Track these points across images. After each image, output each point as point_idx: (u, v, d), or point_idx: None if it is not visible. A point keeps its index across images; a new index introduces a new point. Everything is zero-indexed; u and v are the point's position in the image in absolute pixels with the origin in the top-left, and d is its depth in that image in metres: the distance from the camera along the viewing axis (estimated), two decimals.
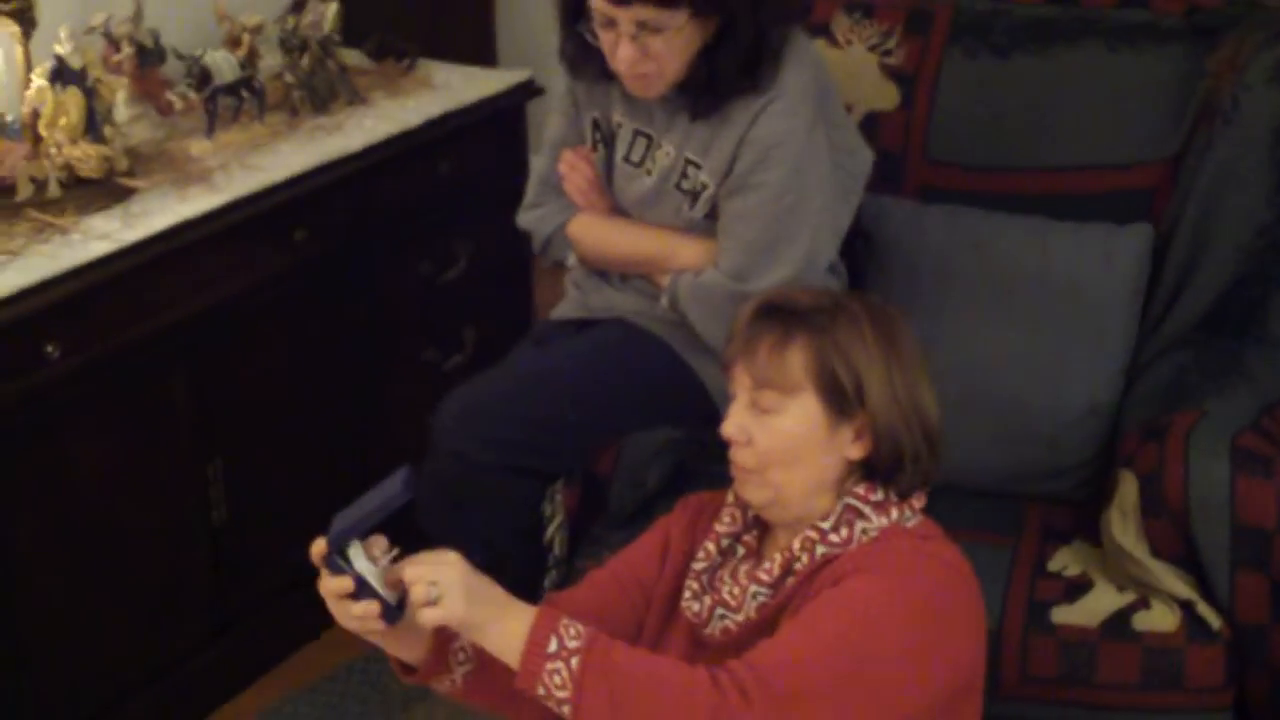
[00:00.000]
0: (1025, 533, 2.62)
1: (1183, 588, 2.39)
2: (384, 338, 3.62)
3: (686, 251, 2.73)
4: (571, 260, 2.89)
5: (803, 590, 1.93)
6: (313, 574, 3.44)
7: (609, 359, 2.78)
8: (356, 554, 1.91)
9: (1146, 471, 2.45)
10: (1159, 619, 2.38)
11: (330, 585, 1.91)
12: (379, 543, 1.94)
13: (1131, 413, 2.67)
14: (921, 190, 2.96)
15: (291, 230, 3.26)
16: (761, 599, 1.96)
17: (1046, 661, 2.36)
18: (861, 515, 1.95)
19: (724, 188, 2.64)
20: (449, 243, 3.69)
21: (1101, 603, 2.42)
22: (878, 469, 1.97)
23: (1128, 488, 2.47)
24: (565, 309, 2.97)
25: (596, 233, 2.83)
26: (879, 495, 1.97)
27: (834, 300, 2.00)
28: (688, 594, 2.04)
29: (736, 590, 1.98)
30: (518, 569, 2.59)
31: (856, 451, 1.96)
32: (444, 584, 1.83)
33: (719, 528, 2.07)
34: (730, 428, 1.97)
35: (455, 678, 2.00)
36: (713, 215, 2.70)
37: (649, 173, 2.75)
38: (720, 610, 1.99)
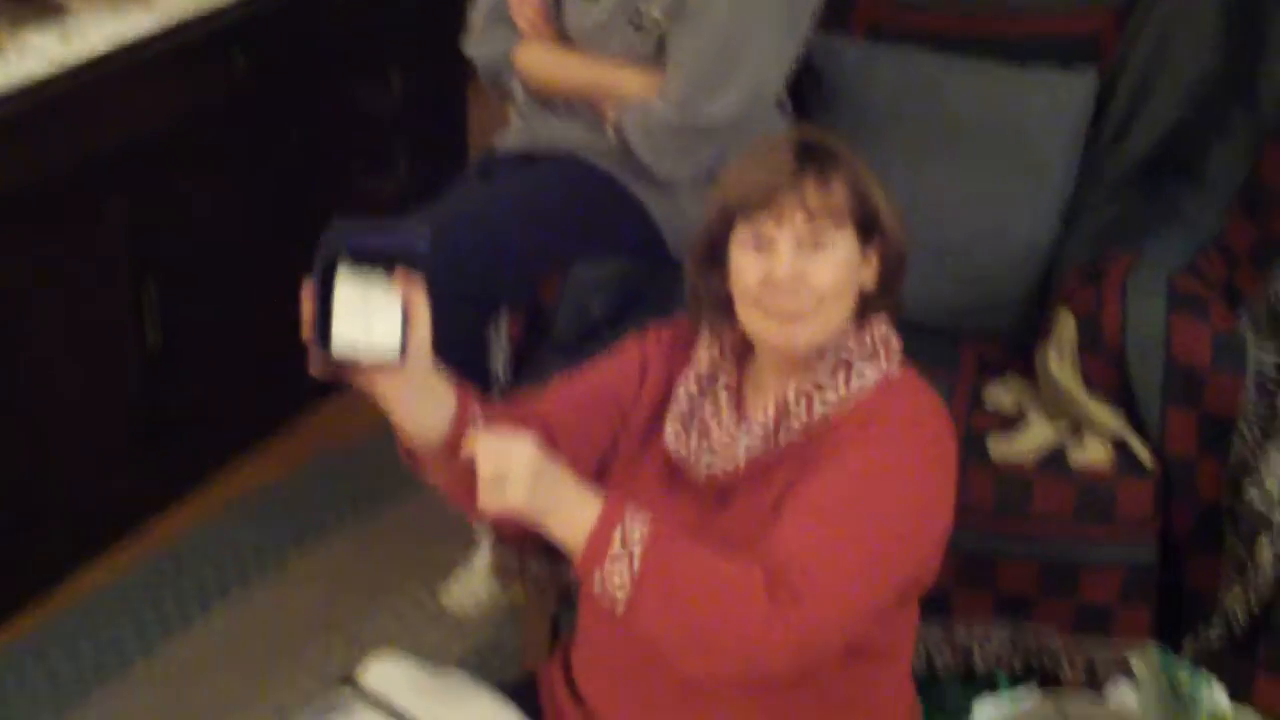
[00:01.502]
0: (961, 367, 2.67)
1: (1115, 423, 2.45)
2: (318, 165, 3.59)
3: (633, 81, 2.73)
4: (518, 89, 2.88)
5: (806, 451, 1.94)
6: (243, 395, 3.49)
7: (555, 188, 2.79)
8: (347, 277, 1.77)
9: (1084, 310, 2.49)
10: (1091, 454, 2.43)
11: (304, 291, 1.80)
12: (413, 289, 1.81)
13: (1070, 253, 2.71)
14: (870, 29, 2.97)
15: (230, 55, 3.22)
16: (753, 449, 1.96)
17: (982, 492, 2.42)
18: (853, 365, 1.96)
19: (672, 18, 2.64)
20: (384, 69, 3.66)
21: (1036, 437, 2.47)
22: (879, 299, 1.99)
23: (1065, 325, 2.51)
24: (511, 140, 2.96)
25: (544, 61, 2.82)
26: (866, 345, 1.98)
27: (831, 137, 2.00)
28: (671, 434, 2.02)
29: (725, 436, 1.98)
30: None
31: (869, 279, 1.97)
32: (513, 470, 1.77)
33: (697, 361, 2.05)
34: (784, 271, 1.91)
35: (455, 470, 1.90)
36: (662, 48, 2.70)
37: (598, 3, 2.74)
38: (707, 453, 1.99)
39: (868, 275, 1.97)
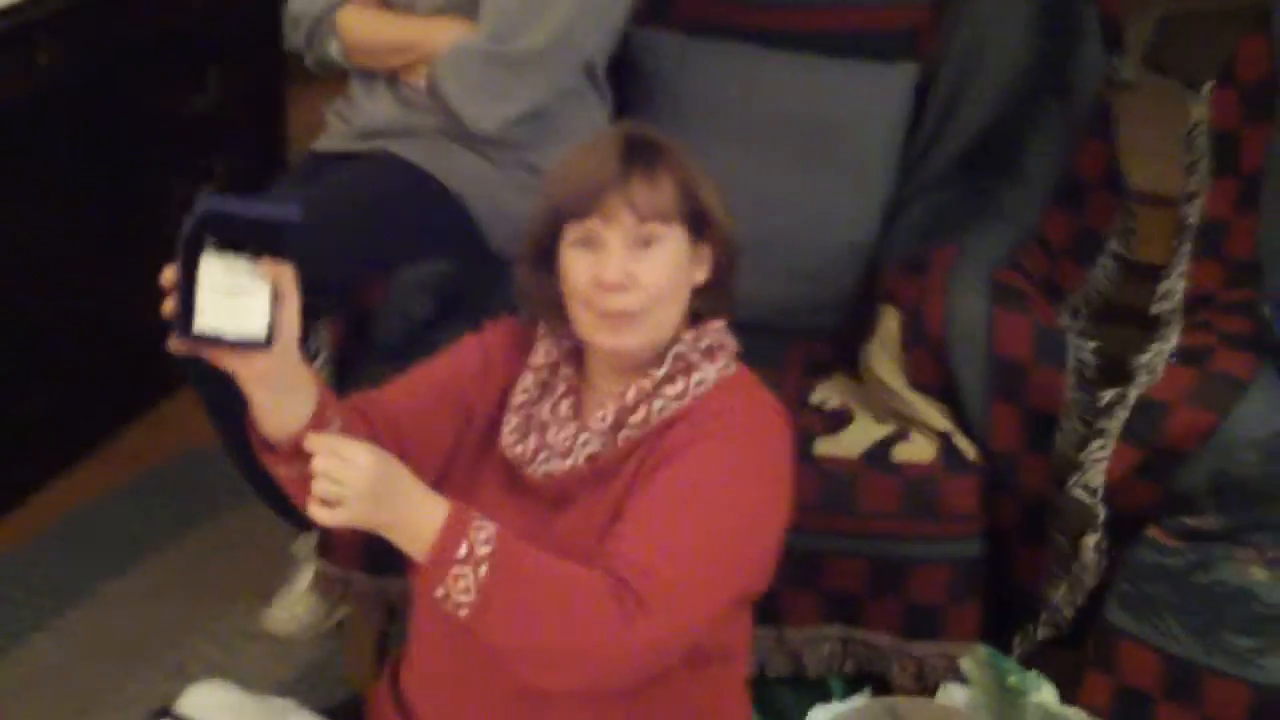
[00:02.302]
0: (787, 365, 2.66)
1: (940, 419, 2.45)
2: (132, 167, 3.52)
3: (450, 30, 2.73)
4: (334, 51, 2.84)
5: (646, 453, 1.92)
6: (57, 410, 3.39)
7: (375, 191, 2.76)
8: (213, 257, 1.68)
9: (907, 305, 2.50)
10: (917, 450, 2.43)
11: (165, 270, 1.71)
12: (282, 270, 1.73)
13: (891, 248, 2.71)
14: (690, 23, 2.94)
15: (34, 53, 3.12)
16: (592, 449, 1.93)
17: (809, 490, 2.40)
18: (692, 365, 1.94)
19: None
20: (200, 68, 3.59)
21: (862, 434, 2.47)
22: (711, 294, 1.98)
23: (888, 321, 2.52)
24: (329, 141, 2.93)
25: (364, 19, 2.82)
26: (705, 342, 1.96)
27: (656, 132, 1.98)
28: (509, 432, 1.99)
29: (564, 436, 1.95)
30: None
31: (701, 275, 1.96)
32: (349, 488, 1.71)
33: (535, 360, 2.03)
34: (614, 273, 1.88)
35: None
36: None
37: None
38: (545, 454, 1.96)
39: (700, 272, 1.96)
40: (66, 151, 3.31)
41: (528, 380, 2.02)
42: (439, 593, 1.76)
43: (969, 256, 2.53)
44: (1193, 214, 2.63)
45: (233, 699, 2.05)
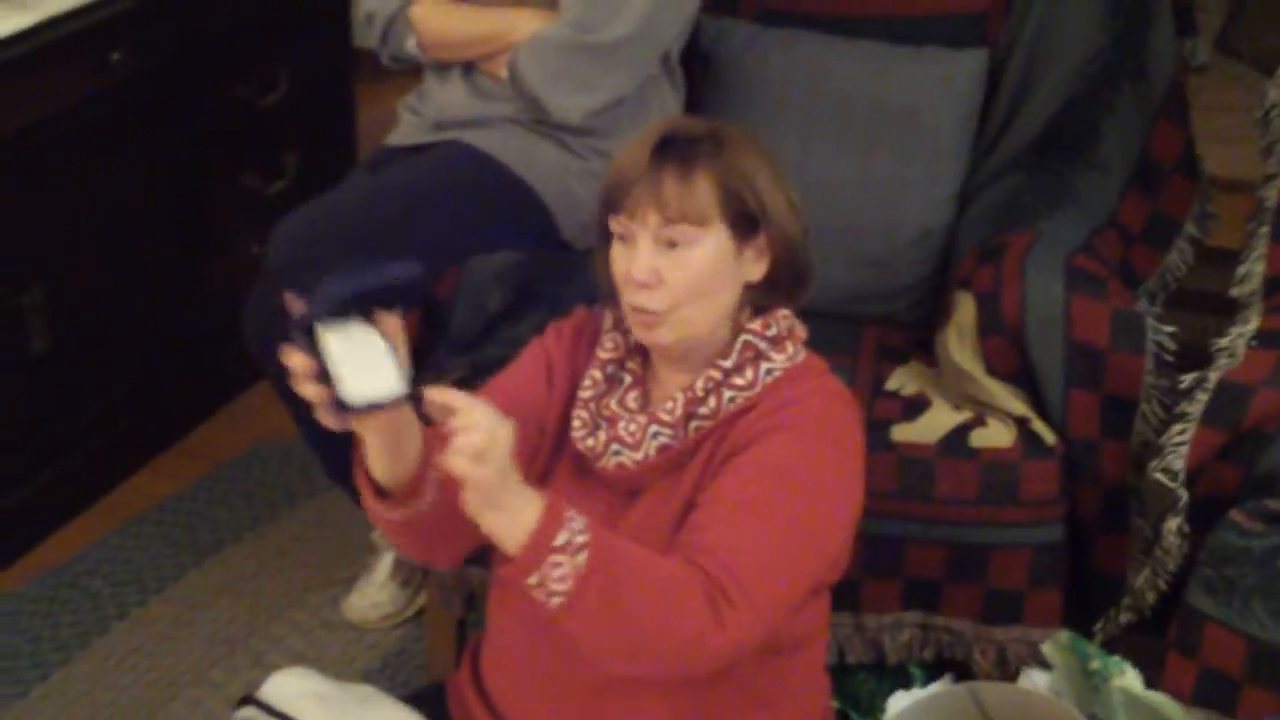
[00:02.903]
0: (861, 353, 2.66)
1: (1017, 405, 2.44)
2: (204, 163, 3.55)
3: (529, 22, 2.74)
4: (411, 46, 2.83)
5: (716, 443, 1.92)
6: (136, 404, 3.43)
7: (446, 181, 2.76)
8: (328, 331, 1.70)
9: (983, 291, 2.48)
10: (995, 435, 2.42)
11: (291, 358, 1.72)
12: (389, 321, 1.76)
13: (965, 235, 2.70)
14: (759, 12, 2.94)
15: (108, 52, 3.15)
16: (663, 440, 1.93)
17: (887, 477, 2.40)
18: (760, 354, 1.94)
19: None
20: (270, 65, 3.61)
21: (939, 420, 2.46)
22: (778, 289, 1.96)
23: (964, 307, 2.51)
24: (400, 135, 2.94)
25: (439, 15, 2.82)
26: (773, 330, 1.96)
27: (712, 126, 1.95)
28: (578, 425, 1.99)
29: (634, 428, 1.95)
30: None
31: (758, 272, 1.94)
32: (497, 445, 1.69)
33: (602, 354, 2.02)
34: (640, 271, 1.88)
35: (417, 508, 1.88)
36: None
37: None
38: (616, 446, 1.95)
39: (754, 268, 1.94)
40: (140, 149, 3.33)
41: (595, 374, 2.01)
42: (533, 580, 1.74)
43: (1045, 242, 2.51)
44: (1270, 196, 2.60)
45: (315, 686, 2.05)
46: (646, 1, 2.68)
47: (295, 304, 1.71)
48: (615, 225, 1.92)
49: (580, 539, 1.75)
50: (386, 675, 2.83)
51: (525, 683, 2.00)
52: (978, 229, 2.67)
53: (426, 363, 2.70)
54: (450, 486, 1.77)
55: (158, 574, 3.17)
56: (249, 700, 2.03)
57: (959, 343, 2.49)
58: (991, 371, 2.47)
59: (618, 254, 1.92)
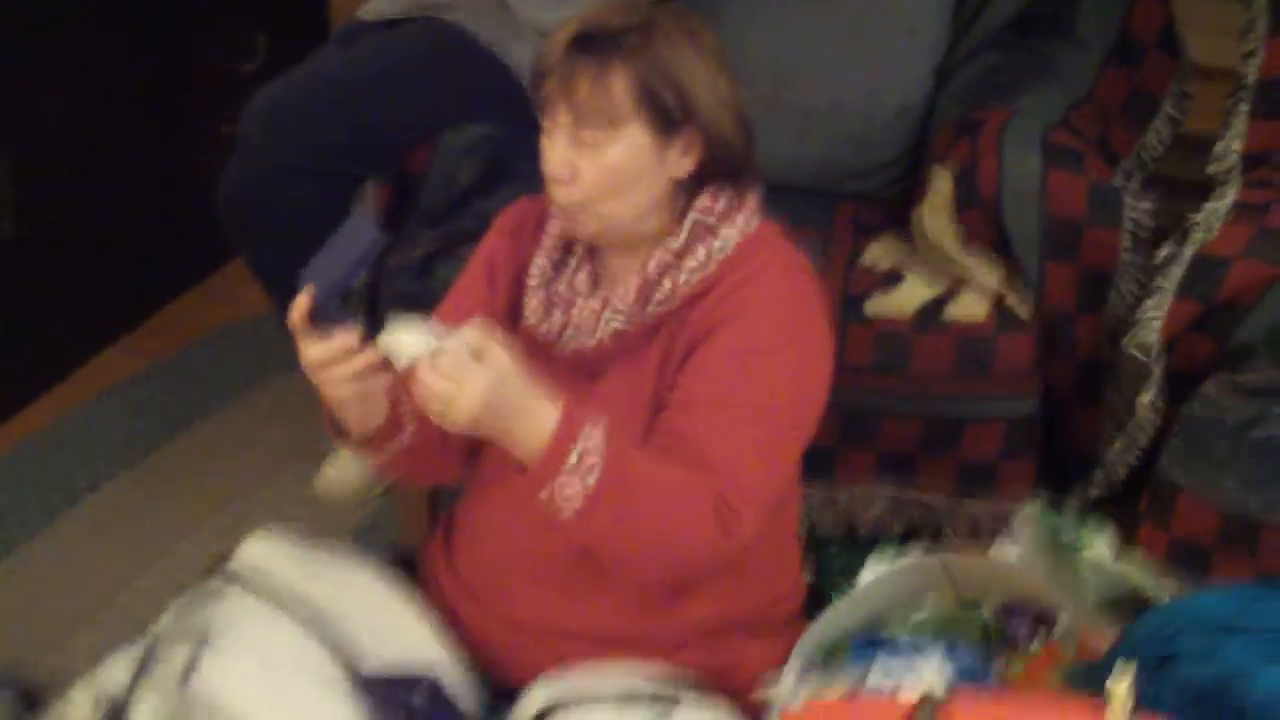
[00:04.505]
0: (836, 228, 2.65)
1: (993, 278, 2.43)
2: (173, 42, 3.50)
3: None
4: None
5: (677, 327, 1.90)
6: (106, 287, 3.41)
7: (421, 55, 2.74)
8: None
9: (960, 165, 2.47)
10: (970, 308, 2.42)
11: (319, 349, 1.78)
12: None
13: (942, 111, 2.69)
14: None
15: None
16: (618, 325, 1.92)
17: (862, 351, 2.40)
18: (708, 228, 1.91)
19: None
20: None
21: (913, 294, 2.46)
22: (711, 177, 1.92)
23: (941, 182, 2.49)
24: (373, 9, 2.91)
25: None
26: (721, 204, 1.92)
27: (642, 16, 1.89)
28: (531, 312, 1.98)
29: (588, 313, 1.94)
30: None
31: (686, 167, 1.90)
32: (464, 395, 1.70)
33: (547, 240, 2.00)
34: (554, 165, 1.86)
35: (395, 447, 1.93)
36: None
37: None
38: (571, 331, 1.95)
39: (681, 163, 1.90)
40: (109, 28, 3.29)
41: (540, 260, 2.00)
42: (542, 496, 1.76)
43: (1022, 117, 2.50)
44: (1250, 73, 2.58)
45: (287, 549, 2.05)
46: None
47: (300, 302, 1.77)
48: (540, 118, 1.89)
49: (591, 459, 1.75)
50: (358, 548, 2.82)
51: (497, 556, 2.00)
52: (955, 105, 2.66)
53: (399, 235, 2.68)
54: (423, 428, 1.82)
55: (128, 448, 3.16)
56: (222, 563, 2.02)
57: (935, 217, 2.48)
58: (967, 246, 2.45)
59: (542, 145, 1.89)
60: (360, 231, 1.80)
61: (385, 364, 1.80)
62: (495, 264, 2.05)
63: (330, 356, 1.79)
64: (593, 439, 1.76)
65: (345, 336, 1.78)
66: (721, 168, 1.91)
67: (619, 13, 1.89)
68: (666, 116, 1.85)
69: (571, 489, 1.75)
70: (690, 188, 1.92)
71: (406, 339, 1.73)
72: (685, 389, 1.87)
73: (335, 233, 1.81)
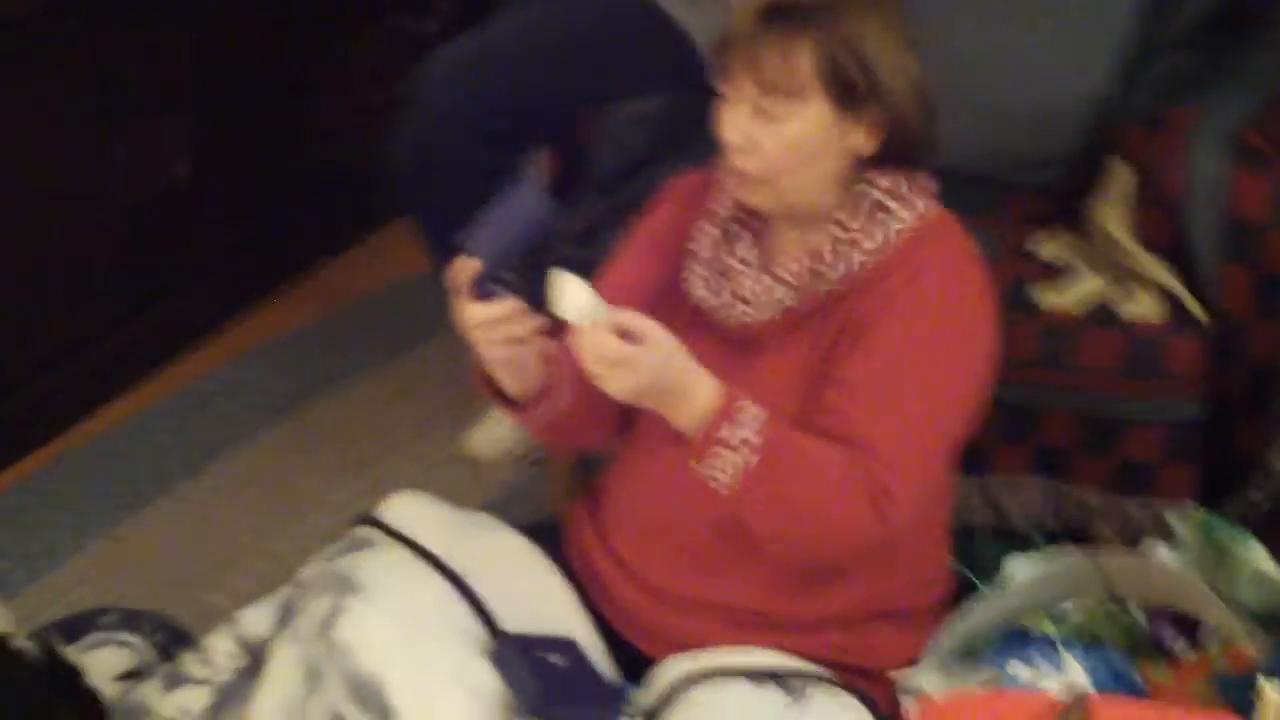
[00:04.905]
0: (1008, 217, 2.60)
1: (1169, 278, 2.38)
2: (354, 3, 3.54)
3: None
4: None
5: (849, 312, 1.89)
6: (274, 236, 3.45)
7: (596, 19, 2.73)
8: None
9: (1143, 162, 2.43)
10: (1143, 307, 2.36)
11: (479, 311, 1.80)
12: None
13: (1129, 107, 2.63)
14: None
15: None
16: (787, 300, 1.90)
17: (1028, 344, 2.36)
18: (886, 210, 1.89)
19: None
20: None
21: (1085, 288, 2.40)
22: (891, 157, 1.90)
23: (1121, 177, 2.45)
24: None
25: None
26: (901, 185, 1.90)
27: None
28: (697, 281, 1.97)
29: (756, 286, 1.92)
30: None
31: (869, 146, 1.88)
32: (629, 367, 1.73)
33: (717, 208, 1.98)
34: (733, 134, 1.85)
35: (547, 410, 1.94)
36: None
37: None
38: (739, 306, 1.93)
39: (862, 140, 1.87)
40: None
41: (707, 227, 1.98)
42: (699, 466, 1.78)
43: (1212, 116, 2.44)
44: None
45: (433, 510, 2.06)
46: None
47: (466, 266, 1.78)
48: (720, 86, 1.87)
49: (753, 439, 1.76)
50: (504, 511, 2.80)
51: (645, 526, 2.00)
52: (1141, 100, 2.61)
53: (568, 202, 2.68)
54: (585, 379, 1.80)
55: (285, 399, 3.20)
56: (367, 519, 2.03)
57: (1113, 212, 2.43)
58: (1144, 244, 2.40)
59: (720, 112, 1.88)
60: (530, 202, 1.80)
61: (543, 330, 1.81)
62: (658, 233, 2.04)
63: (490, 319, 1.81)
64: (752, 417, 1.77)
65: (507, 304, 1.80)
66: (902, 149, 1.89)
67: None
68: (851, 92, 1.83)
69: (726, 463, 1.77)
70: (868, 167, 1.90)
71: (578, 298, 1.74)
72: (851, 369, 1.86)
73: (503, 198, 1.82)
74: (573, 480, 2.70)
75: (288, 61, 3.40)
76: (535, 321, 1.81)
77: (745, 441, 1.76)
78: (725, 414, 1.77)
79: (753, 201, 1.90)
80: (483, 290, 1.79)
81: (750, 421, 1.77)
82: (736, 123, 1.85)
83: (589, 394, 1.83)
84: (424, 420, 3.13)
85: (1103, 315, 2.37)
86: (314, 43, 3.46)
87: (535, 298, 1.82)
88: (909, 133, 1.88)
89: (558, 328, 1.81)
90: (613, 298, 1.94)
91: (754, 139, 1.84)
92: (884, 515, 1.79)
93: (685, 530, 1.94)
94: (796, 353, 1.91)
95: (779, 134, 1.84)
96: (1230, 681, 1.80)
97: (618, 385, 1.74)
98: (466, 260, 1.79)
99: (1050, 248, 2.51)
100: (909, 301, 1.86)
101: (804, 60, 1.82)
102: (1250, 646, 1.90)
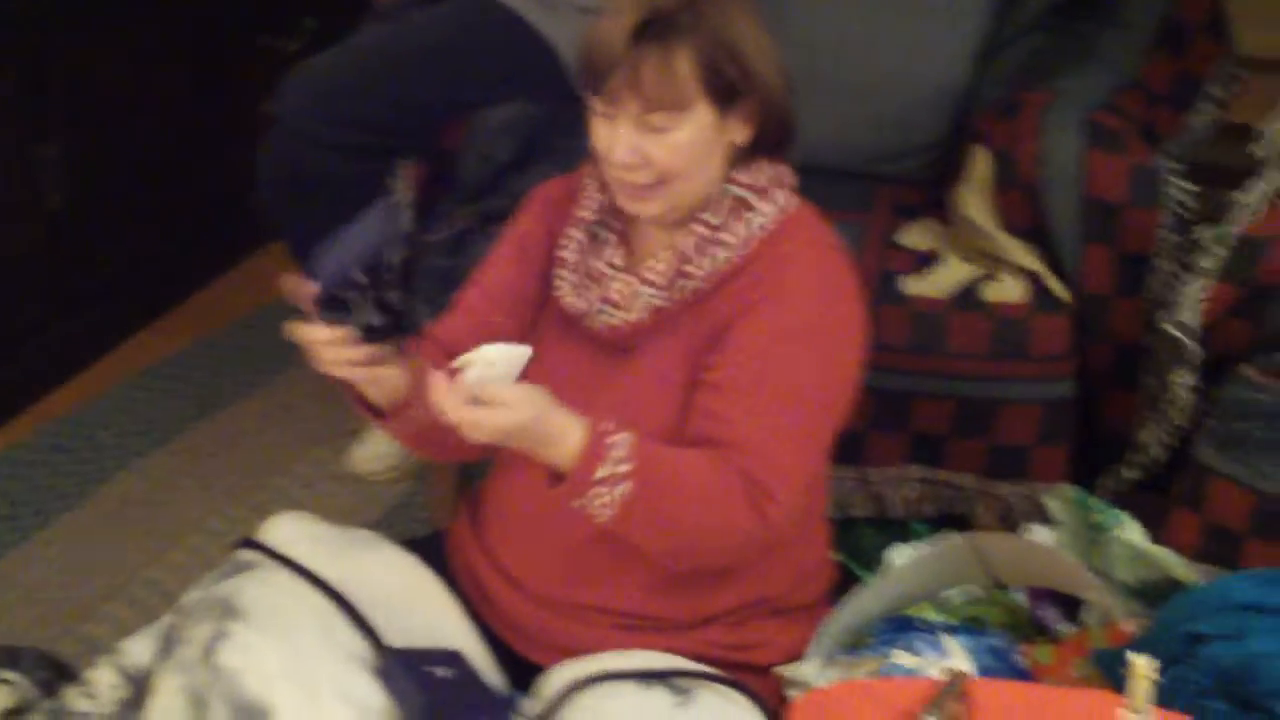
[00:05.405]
0: (875, 210, 2.62)
1: (1030, 260, 2.40)
2: (219, 23, 3.51)
3: None
4: None
5: (714, 308, 1.90)
6: (146, 268, 3.42)
7: (459, 31, 2.73)
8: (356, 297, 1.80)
9: (999, 147, 2.44)
10: (1007, 290, 2.39)
11: (320, 334, 1.81)
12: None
13: (984, 94, 2.65)
14: None
15: None
16: (654, 301, 1.91)
17: (897, 331, 2.37)
18: (748, 206, 1.90)
19: None
20: None
21: (951, 274, 2.43)
22: (764, 146, 1.91)
23: (980, 163, 2.47)
24: None
25: None
26: (759, 179, 1.92)
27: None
28: (565, 286, 1.97)
29: (623, 289, 1.92)
30: None
31: (744, 135, 1.89)
32: (487, 434, 1.74)
33: (582, 213, 1.99)
34: (622, 152, 1.84)
35: (415, 418, 1.93)
36: None
37: None
38: (604, 306, 1.93)
39: (739, 133, 1.89)
40: (158, 7, 3.31)
41: (573, 232, 1.98)
42: (576, 504, 1.79)
43: (1064, 99, 2.46)
44: None
45: (313, 529, 2.05)
46: None
47: (305, 287, 1.77)
48: (595, 104, 1.86)
49: (622, 468, 1.77)
50: (388, 527, 2.82)
51: (525, 534, 2.00)
52: (997, 88, 2.63)
53: (434, 212, 2.68)
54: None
55: (163, 426, 3.17)
56: (248, 542, 2.02)
57: (973, 198, 2.45)
58: (1006, 227, 2.43)
59: (600, 128, 1.87)
60: (380, 220, 1.79)
61: (375, 359, 1.82)
62: (526, 241, 2.04)
63: (322, 341, 1.82)
64: (622, 443, 1.78)
65: (334, 331, 1.80)
66: (773, 137, 1.91)
67: None
68: (729, 89, 1.85)
69: (604, 499, 1.78)
70: (741, 157, 1.91)
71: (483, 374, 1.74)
72: (719, 369, 1.87)
73: (359, 216, 1.81)
74: (455, 493, 2.70)
75: (159, 87, 3.37)
76: (363, 351, 1.81)
77: (617, 474, 1.77)
78: (596, 454, 1.77)
79: (644, 212, 1.90)
80: (323, 311, 1.78)
81: (620, 448, 1.77)
82: (623, 141, 1.84)
83: None
84: (305, 439, 3.11)
85: (968, 299, 2.39)
86: (185, 66, 3.43)
87: (413, 313, 1.81)
88: (780, 114, 1.91)
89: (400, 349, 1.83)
90: (482, 306, 1.94)
91: (644, 152, 1.84)
92: (765, 515, 1.81)
93: (566, 537, 1.94)
94: (668, 355, 1.92)
95: (668, 143, 1.84)
96: (1109, 654, 1.82)
97: (479, 437, 1.75)
98: (305, 282, 1.78)
99: (917, 237, 2.53)
100: (773, 295, 1.88)
101: (684, 71, 1.82)
102: (1128, 622, 1.93)
